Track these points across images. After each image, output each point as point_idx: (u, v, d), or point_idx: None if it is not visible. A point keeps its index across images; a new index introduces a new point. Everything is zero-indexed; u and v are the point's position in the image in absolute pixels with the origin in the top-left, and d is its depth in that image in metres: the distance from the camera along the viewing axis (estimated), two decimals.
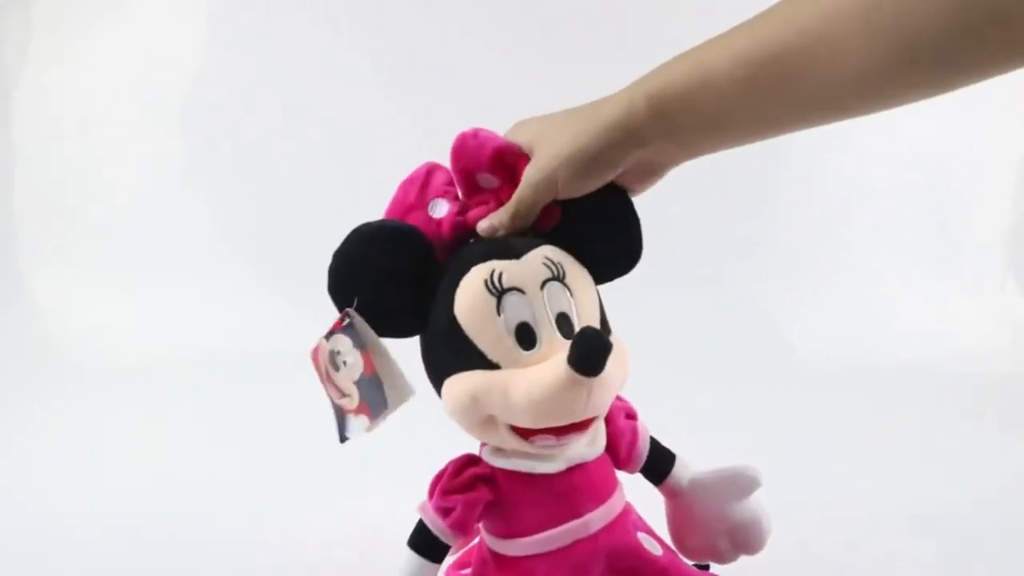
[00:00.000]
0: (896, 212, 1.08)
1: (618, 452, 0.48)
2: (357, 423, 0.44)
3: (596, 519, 0.45)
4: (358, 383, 0.43)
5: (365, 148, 0.96)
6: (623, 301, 0.52)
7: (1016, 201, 1.09)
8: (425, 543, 0.45)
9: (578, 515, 0.45)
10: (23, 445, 0.74)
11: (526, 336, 0.42)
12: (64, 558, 0.58)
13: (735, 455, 0.74)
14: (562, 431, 0.42)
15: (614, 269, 0.47)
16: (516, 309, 0.42)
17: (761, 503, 0.51)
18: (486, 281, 0.42)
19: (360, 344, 0.42)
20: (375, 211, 0.53)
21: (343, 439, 0.44)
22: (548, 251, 0.44)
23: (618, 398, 0.49)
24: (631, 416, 0.50)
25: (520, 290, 0.42)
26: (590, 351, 0.39)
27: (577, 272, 0.44)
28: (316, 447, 0.73)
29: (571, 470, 0.44)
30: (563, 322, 0.43)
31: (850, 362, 0.94)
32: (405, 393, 0.43)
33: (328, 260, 0.46)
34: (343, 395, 0.44)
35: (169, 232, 1.04)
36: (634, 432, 0.50)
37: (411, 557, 0.46)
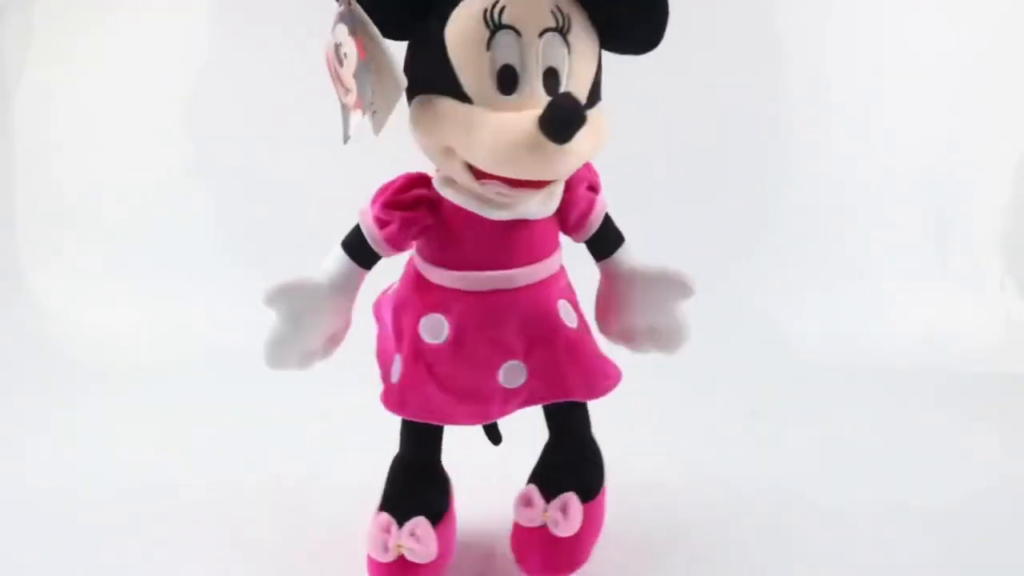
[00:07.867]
0: (895, 212, 1.08)
1: (567, 218, 0.47)
2: (355, 119, 0.42)
3: (522, 276, 0.45)
4: (356, 73, 0.40)
5: (369, 150, 0.95)
6: None
7: (1015, 201, 1.09)
8: (357, 247, 0.46)
9: (505, 267, 0.45)
10: (23, 445, 0.74)
11: (508, 80, 0.40)
12: (64, 557, 0.58)
13: (732, 452, 0.74)
14: (517, 183, 0.41)
15: (629, 41, 0.44)
16: (506, 49, 0.40)
17: (686, 312, 0.50)
18: (486, 11, 0.40)
19: (352, 30, 0.39)
20: None
21: (345, 140, 0.43)
22: None
23: (587, 167, 0.48)
24: (594, 188, 0.49)
25: (517, 31, 0.40)
26: (562, 117, 0.37)
27: (584, 31, 0.42)
28: (317, 447, 0.73)
29: (515, 223, 0.44)
30: (550, 77, 0.41)
31: (848, 361, 0.94)
32: (393, 82, 0.40)
33: None
34: (347, 91, 0.42)
35: (170, 232, 1.05)
36: (590, 204, 0.48)
37: (340, 255, 0.46)
